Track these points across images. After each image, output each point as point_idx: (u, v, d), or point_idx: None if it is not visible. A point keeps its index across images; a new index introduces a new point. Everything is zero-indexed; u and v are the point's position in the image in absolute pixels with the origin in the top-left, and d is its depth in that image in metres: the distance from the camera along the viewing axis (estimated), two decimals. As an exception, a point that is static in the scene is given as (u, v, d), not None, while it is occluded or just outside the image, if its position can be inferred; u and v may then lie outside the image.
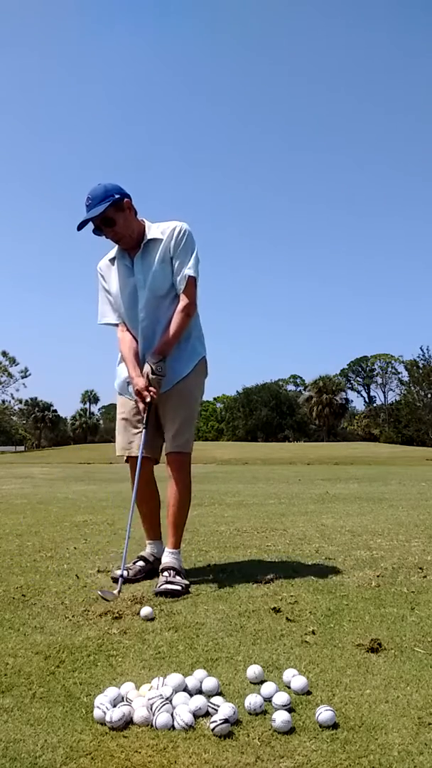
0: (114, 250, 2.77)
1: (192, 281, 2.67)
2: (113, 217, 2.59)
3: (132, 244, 2.68)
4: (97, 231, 2.65)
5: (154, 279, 2.66)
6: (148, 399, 2.59)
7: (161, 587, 2.44)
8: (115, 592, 2.29)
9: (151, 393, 2.58)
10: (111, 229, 2.62)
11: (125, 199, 2.61)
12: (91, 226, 2.63)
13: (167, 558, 2.62)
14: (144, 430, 2.68)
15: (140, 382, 2.59)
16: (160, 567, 2.60)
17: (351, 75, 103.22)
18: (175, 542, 2.67)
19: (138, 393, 2.61)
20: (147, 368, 2.59)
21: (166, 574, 2.54)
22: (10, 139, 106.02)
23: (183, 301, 2.67)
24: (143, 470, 2.72)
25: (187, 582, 2.51)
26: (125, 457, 2.80)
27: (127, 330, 2.75)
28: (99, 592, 2.29)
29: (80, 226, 2.61)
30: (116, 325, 2.80)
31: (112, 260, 2.78)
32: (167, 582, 2.47)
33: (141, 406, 2.63)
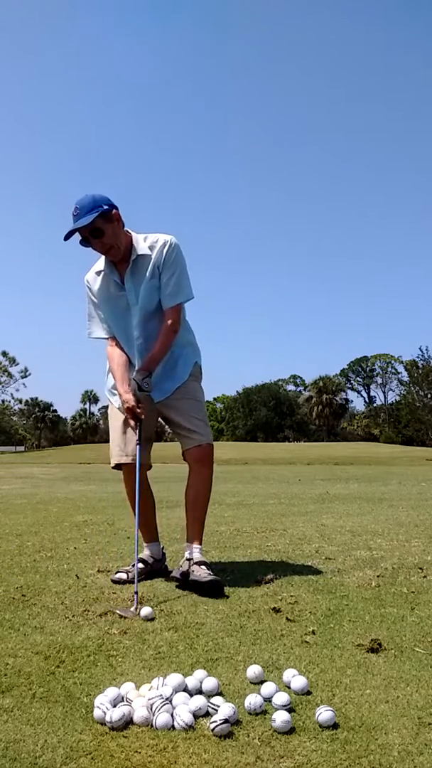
0: (100, 263, 2.74)
1: (180, 306, 2.70)
2: (101, 228, 2.56)
3: (119, 257, 2.66)
4: (84, 242, 2.63)
5: (144, 296, 2.66)
6: (142, 416, 2.59)
7: (209, 578, 2.43)
8: (132, 609, 2.25)
9: (141, 409, 2.58)
10: (99, 240, 2.60)
11: (114, 210, 2.59)
12: (77, 236, 2.61)
13: (198, 554, 2.62)
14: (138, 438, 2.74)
15: (131, 400, 2.58)
16: (196, 560, 2.58)
17: (352, 75, 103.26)
18: (201, 538, 2.71)
19: (130, 410, 2.59)
20: (134, 385, 2.58)
21: (204, 567, 2.53)
22: (11, 139, 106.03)
23: (169, 318, 2.67)
24: (142, 477, 2.78)
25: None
26: (119, 465, 2.83)
27: (116, 344, 2.76)
28: (117, 611, 2.21)
29: (67, 236, 2.59)
30: (106, 338, 2.80)
31: (98, 272, 2.75)
32: (212, 575, 2.46)
33: (132, 423, 2.62)
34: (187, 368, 2.80)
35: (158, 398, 2.76)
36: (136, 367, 2.71)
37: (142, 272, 2.66)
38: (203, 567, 2.54)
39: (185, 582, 2.54)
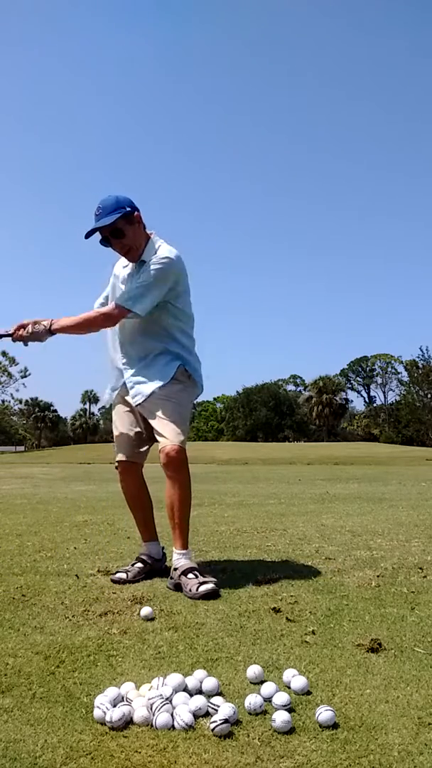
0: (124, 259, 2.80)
1: (124, 310, 2.61)
2: (122, 229, 2.59)
3: (137, 259, 2.69)
4: (105, 242, 2.66)
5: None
6: (15, 332, 2.64)
7: (204, 590, 2.35)
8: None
9: (19, 333, 2.63)
10: (119, 241, 2.62)
11: (135, 213, 2.62)
12: (98, 236, 2.62)
13: (182, 560, 2.55)
14: (133, 436, 2.80)
15: (26, 322, 2.64)
16: (181, 570, 2.50)
17: (353, 74, 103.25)
18: (183, 543, 2.60)
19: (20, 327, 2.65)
20: (44, 324, 2.63)
21: (191, 576, 2.45)
22: (11, 139, 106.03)
23: (108, 310, 2.64)
24: (136, 475, 2.86)
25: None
26: (116, 465, 2.87)
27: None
28: None
29: (88, 235, 2.60)
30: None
31: (125, 266, 2.81)
32: (203, 583, 2.40)
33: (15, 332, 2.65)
34: (170, 371, 2.70)
35: (136, 402, 2.71)
36: (118, 362, 2.81)
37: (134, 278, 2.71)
38: (192, 576, 2.46)
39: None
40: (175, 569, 2.55)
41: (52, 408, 66.96)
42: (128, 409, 2.84)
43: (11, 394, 53.04)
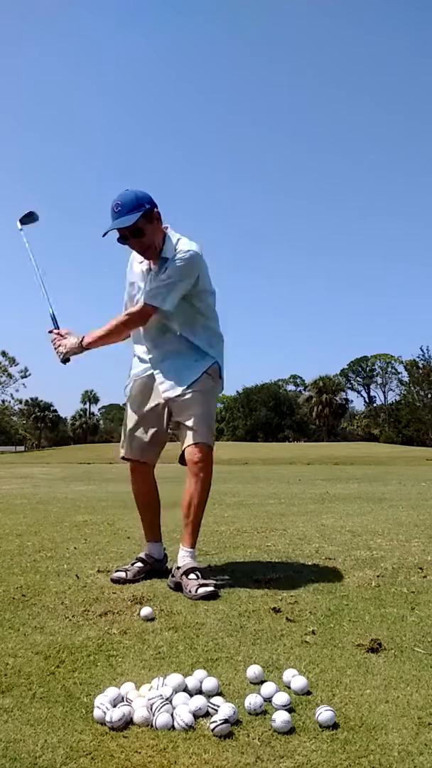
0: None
1: (153, 308, 2.60)
2: (143, 228, 2.53)
3: (156, 257, 2.64)
4: (122, 240, 2.60)
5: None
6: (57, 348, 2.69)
7: (202, 592, 2.33)
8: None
9: (59, 347, 2.68)
10: (138, 240, 2.57)
11: (155, 209, 2.57)
12: (114, 234, 2.57)
13: (187, 559, 2.53)
14: (150, 434, 2.74)
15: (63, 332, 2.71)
16: (183, 569, 2.48)
17: (354, 73, 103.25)
18: (192, 541, 2.60)
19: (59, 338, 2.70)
20: (74, 341, 2.66)
21: (192, 576, 2.43)
22: (10, 139, 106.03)
23: (132, 311, 2.66)
24: (148, 475, 2.83)
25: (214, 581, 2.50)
26: (126, 460, 2.83)
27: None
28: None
29: (106, 233, 2.55)
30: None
31: (141, 262, 2.76)
32: (203, 585, 2.37)
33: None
34: (203, 367, 2.68)
35: (168, 395, 2.66)
36: (151, 361, 2.74)
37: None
38: (193, 576, 2.43)
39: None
40: (178, 567, 2.52)
41: (52, 408, 66.97)
42: (151, 404, 2.74)
43: (11, 394, 53.08)
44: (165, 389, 2.67)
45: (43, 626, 2.07)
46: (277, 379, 70.64)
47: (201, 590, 2.35)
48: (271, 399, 60.65)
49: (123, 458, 2.81)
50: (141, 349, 2.80)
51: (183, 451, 2.66)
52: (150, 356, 2.75)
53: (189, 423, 2.62)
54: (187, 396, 2.64)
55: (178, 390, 2.64)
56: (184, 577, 2.46)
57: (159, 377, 2.70)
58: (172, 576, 2.54)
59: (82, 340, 2.65)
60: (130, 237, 2.56)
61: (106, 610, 2.22)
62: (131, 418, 2.78)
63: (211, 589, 2.37)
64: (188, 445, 2.61)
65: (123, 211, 2.49)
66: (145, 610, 2.15)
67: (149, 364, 2.75)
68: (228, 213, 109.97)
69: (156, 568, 2.79)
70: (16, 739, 1.32)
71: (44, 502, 6.45)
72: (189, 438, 2.61)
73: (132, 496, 2.91)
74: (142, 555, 2.81)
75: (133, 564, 2.76)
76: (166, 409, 2.73)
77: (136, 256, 2.74)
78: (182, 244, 2.62)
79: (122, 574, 2.66)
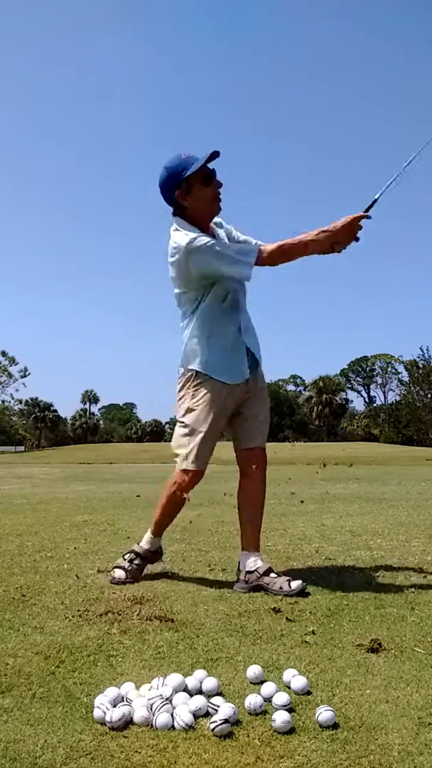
0: (189, 226, 2.52)
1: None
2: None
3: (219, 211, 2.62)
4: (212, 175, 2.54)
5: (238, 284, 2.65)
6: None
7: (295, 586, 2.40)
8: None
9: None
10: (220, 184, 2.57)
11: None
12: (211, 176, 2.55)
13: (261, 562, 2.56)
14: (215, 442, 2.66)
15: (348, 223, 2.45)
16: (262, 570, 2.50)
17: (355, 72, 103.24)
18: (259, 544, 2.67)
19: (357, 218, 2.47)
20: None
21: (274, 575, 2.50)
22: (10, 139, 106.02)
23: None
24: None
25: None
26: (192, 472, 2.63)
27: None
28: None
29: (214, 155, 2.50)
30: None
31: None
32: (290, 580, 2.45)
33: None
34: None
35: (253, 368, 2.66)
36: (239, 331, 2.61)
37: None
38: (274, 575, 2.51)
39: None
40: (252, 571, 2.52)
41: (52, 408, 66.97)
42: (229, 403, 2.64)
43: (11, 394, 53.07)
44: (258, 378, 2.72)
45: (43, 626, 2.07)
46: (277, 379, 70.71)
47: (294, 584, 2.42)
48: (271, 399, 60.31)
49: (191, 470, 2.62)
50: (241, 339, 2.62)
51: (247, 450, 2.73)
52: (244, 340, 2.64)
53: (263, 415, 2.74)
54: (258, 384, 2.71)
55: (256, 372, 2.68)
56: (265, 577, 2.50)
57: (252, 363, 2.66)
58: (246, 581, 2.53)
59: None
60: (214, 178, 2.55)
61: (106, 610, 2.22)
62: (216, 423, 2.62)
63: (302, 582, 2.44)
64: (259, 446, 2.74)
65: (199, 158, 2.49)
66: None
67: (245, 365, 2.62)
68: (228, 211, 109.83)
69: (151, 561, 2.79)
70: (16, 739, 1.32)
71: (44, 502, 6.45)
72: (261, 437, 2.75)
73: (169, 503, 2.71)
74: (141, 550, 2.72)
75: (131, 562, 2.68)
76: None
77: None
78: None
79: (122, 574, 2.64)
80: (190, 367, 2.62)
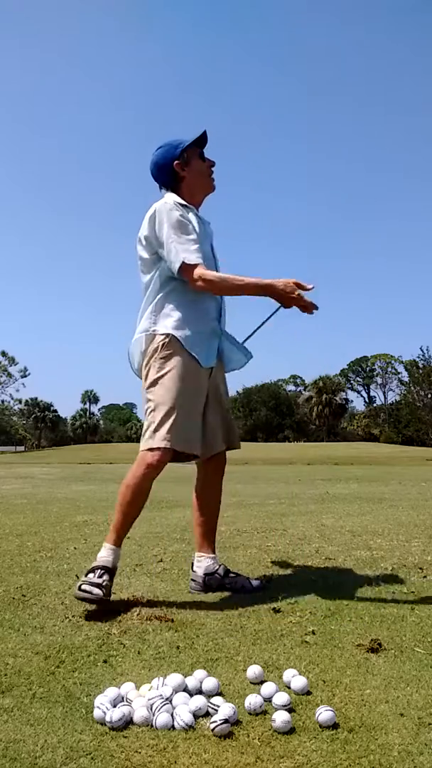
0: (179, 198, 2.46)
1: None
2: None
3: (212, 191, 2.63)
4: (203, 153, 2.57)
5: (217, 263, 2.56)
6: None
7: (256, 584, 2.50)
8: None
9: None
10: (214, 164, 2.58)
11: None
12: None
13: (219, 564, 2.56)
14: (197, 420, 2.42)
15: (291, 280, 2.26)
16: (222, 571, 2.53)
17: (354, 73, 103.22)
18: (214, 546, 2.62)
19: (295, 286, 2.25)
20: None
21: (233, 574, 2.55)
22: (10, 139, 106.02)
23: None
24: (163, 467, 2.36)
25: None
26: (159, 456, 2.29)
27: None
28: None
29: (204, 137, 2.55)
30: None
31: (185, 205, 2.46)
32: (251, 579, 2.53)
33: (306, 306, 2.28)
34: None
35: (237, 365, 2.60)
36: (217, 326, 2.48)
37: (211, 236, 2.60)
38: (233, 574, 2.55)
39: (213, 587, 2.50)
40: (213, 573, 2.51)
41: (52, 408, 66.98)
42: (196, 382, 2.40)
43: (10, 394, 53.12)
44: (235, 361, 2.59)
45: (43, 626, 2.07)
46: (277, 379, 70.71)
47: (255, 582, 2.51)
48: (271, 399, 60.65)
49: (156, 449, 2.30)
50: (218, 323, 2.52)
51: (218, 451, 2.55)
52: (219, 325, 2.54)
53: (229, 417, 2.61)
54: (225, 389, 2.62)
55: (239, 362, 2.60)
56: (229, 577, 2.52)
57: (227, 348, 2.54)
58: (204, 584, 2.50)
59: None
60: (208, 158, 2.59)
61: (106, 610, 2.21)
62: (193, 400, 2.38)
63: (259, 581, 2.53)
64: (228, 448, 2.60)
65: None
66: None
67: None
68: (228, 213, 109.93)
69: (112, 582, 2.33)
70: (16, 739, 1.32)
71: (44, 502, 6.45)
72: (229, 438, 2.59)
73: (131, 493, 2.33)
74: (108, 564, 2.29)
75: (101, 577, 2.24)
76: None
77: (179, 203, 2.44)
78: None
79: (99, 591, 2.18)
80: (162, 332, 2.36)
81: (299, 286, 2.26)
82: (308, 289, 2.28)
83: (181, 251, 2.32)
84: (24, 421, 66.14)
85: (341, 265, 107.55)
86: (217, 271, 2.50)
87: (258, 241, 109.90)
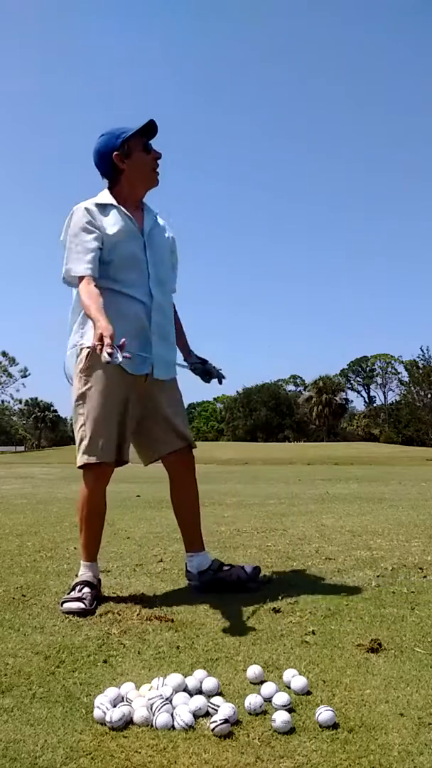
0: (104, 196, 2.41)
1: None
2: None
3: (155, 184, 2.49)
4: (149, 146, 2.44)
5: (163, 266, 2.45)
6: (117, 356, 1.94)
7: (255, 572, 2.48)
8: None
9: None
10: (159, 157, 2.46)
11: None
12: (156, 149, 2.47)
13: (210, 559, 2.54)
14: (124, 429, 2.35)
15: (110, 328, 2.01)
16: (214, 566, 2.50)
17: (354, 74, 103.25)
18: (202, 542, 2.58)
19: (104, 337, 1.97)
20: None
21: (227, 567, 2.52)
22: (10, 139, 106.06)
23: (174, 310, 2.56)
24: (108, 481, 2.40)
25: None
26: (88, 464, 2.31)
27: (96, 287, 2.25)
28: None
29: (152, 126, 2.43)
30: (90, 276, 2.28)
31: (105, 204, 2.38)
32: (242, 566, 2.50)
33: (107, 355, 1.92)
34: (176, 351, 2.55)
35: (165, 375, 2.41)
36: (150, 329, 2.35)
37: (163, 242, 2.48)
38: (227, 566, 2.53)
39: (206, 587, 2.47)
40: (206, 570, 2.50)
41: (52, 408, 66.96)
42: (121, 392, 2.34)
43: (11, 395, 53.16)
44: (162, 370, 2.41)
45: (43, 626, 2.07)
46: (277, 379, 70.69)
47: (249, 568, 2.50)
48: (271, 399, 60.63)
49: (99, 465, 2.31)
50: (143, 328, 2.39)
51: (170, 454, 2.46)
52: (148, 329, 2.40)
53: (179, 419, 2.48)
54: (171, 387, 2.47)
55: (173, 375, 2.48)
56: (222, 571, 2.50)
57: (156, 355, 2.38)
58: (201, 582, 2.49)
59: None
60: (154, 150, 2.45)
61: (106, 610, 2.21)
62: (108, 409, 2.31)
63: (253, 567, 2.52)
64: (183, 447, 2.47)
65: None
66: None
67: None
68: (228, 211, 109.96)
69: (97, 593, 2.35)
70: (16, 739, 1.32)
71: (44, 502, 6.45)
72: (182, 438, 2.46)
73: (83, 510, 2.38)
74: (86, 578, 2.33)
75: (81, 590, 2.27)
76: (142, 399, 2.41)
77: (90, 208, 2.35)
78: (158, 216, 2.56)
79: (81, 605, 2.19)
80: (86, 345, 2.30)
81: (111, 339, 1.98)
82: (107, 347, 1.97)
83: (71, 260, 2.31)
84: (24, 421, 66.13)
85: (341, 264, 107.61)
86: (155, 268, 2.39)
87: (258, 241, 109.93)
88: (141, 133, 2.40)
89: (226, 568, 2.52)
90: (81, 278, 2.27)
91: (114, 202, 2.40)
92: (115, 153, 2.38)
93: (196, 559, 2.52)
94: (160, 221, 2.55)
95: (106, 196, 2.42)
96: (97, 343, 1.96)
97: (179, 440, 2.47)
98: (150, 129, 2.43)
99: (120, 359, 1.95)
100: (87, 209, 2.36)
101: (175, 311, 2.63)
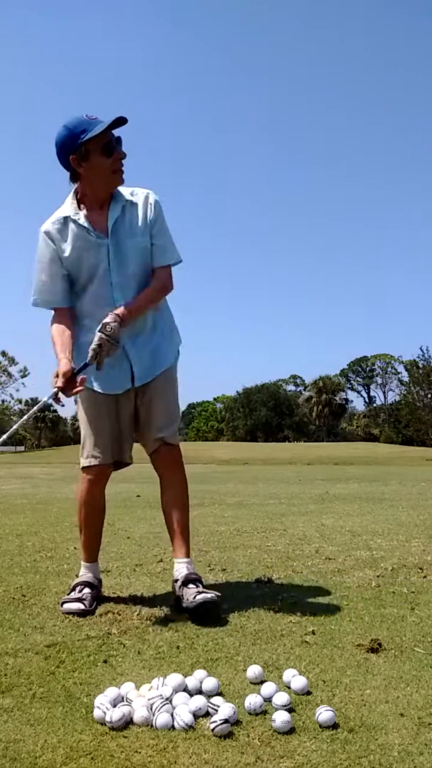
0: (65, 209, 2.29)
1: (170, 269, 2.37)
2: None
3: (120, 183, 2.28)
4: (115, 145, 2.22)
5: (133, 254, 2.27)
6: (66, 392, 2.07)
7: (200, 599, 2.08)
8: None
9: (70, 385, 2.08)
10: (124, 154, 2.24)
11: None
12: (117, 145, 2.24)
13: (188, 569, 2.27)
14: (118, 431, 2.37)
15: (67, 365, 2.11)
16: (184, 578, 2.22)
17: (354, 78, 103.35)
18: (188, 550, 2.34)
19: (59, 376, 2.08)
20: (99, 332, 2.12)
21: (192, 586, 2.19)
22: (10, 139, 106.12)
23: (161, 278, 2.32)
24: (106, 482, 2.40)
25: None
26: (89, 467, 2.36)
27: (63, 319, 2.29)
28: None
29: (122, 121, 2.18)
30: (58, 307, 2.30)
31: (65, 219, 2.27)
32: (201, 592, 2.13)
33: (56, 392, 2.06)
34: (173, 352, 2.44)
35: (140, 381, 2.33)
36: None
37: (132, 225, 2.28)
38: (192, 586, 2.19)
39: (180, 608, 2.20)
40: (176, 580, 2.26)
41: (52, 408, 66.92)
42: (109, 401, 2.36)
43: (11, 394, 53.13)
44: (142, 372, 2.34)
45: (43, 626, 2.07)
46: (277, 379, 70.61)
47: (199, 597, 2.10)
48: (271, 399, 60.58)
49: (96, 467, 2.35)
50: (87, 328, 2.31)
51: (152, 454, 2.40)
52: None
53: (163, 415, 2.37)
54: (158, 386, 2.37)
55: (150, 378, 2.35)
56: (184, 587, 2.20)
57: (133, 357, 2.32)
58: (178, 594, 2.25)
59: (118, 317, 2.15)
60: (117, 145, 2.23)
61: (106, 610, 2.22)
62: (99, 413, 2.36)
63: (211, 595, 2.11)
64: (163, 445, 2.37)
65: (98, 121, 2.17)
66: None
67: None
68: (228, 213, 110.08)
69: (99, 594, 2.38)
70: (16, 739, 1.32)
71: (44, 502, 6.45)
72: (162, 435, 2.36)
73: (81, 511, 2.41)
74: (86, 579, 2.36)
75: (81, 591, 2.29)
76: (132, 403, 2.40)
77: (50, 230, 2.27)
78: (139, 190, 2.34)
79: (81, 606, 2.21)
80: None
81: (65, 383, 2.07)
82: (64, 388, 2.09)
83: (34, 290, 2.34)
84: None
85: (341, 264, 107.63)
86: (118, 269, 2.27)
87: (257, 240, 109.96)
88: (101, 133, 2.17)
89: (191, 587, 2.19)
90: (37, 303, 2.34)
91: (72, 212, 2.27)
92: (71, 156, 2.19)
93: (175, 566, 2.33)
94: (132, 202, 2.31)
95: (66, 207, 2.30)
96: (54, 382, 2.10)
97: (155, 441, 2.38)
98: (113, 127, 2.20)
99: (63, 403, 2.15)
100: (46, 234, 2.28)
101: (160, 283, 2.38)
